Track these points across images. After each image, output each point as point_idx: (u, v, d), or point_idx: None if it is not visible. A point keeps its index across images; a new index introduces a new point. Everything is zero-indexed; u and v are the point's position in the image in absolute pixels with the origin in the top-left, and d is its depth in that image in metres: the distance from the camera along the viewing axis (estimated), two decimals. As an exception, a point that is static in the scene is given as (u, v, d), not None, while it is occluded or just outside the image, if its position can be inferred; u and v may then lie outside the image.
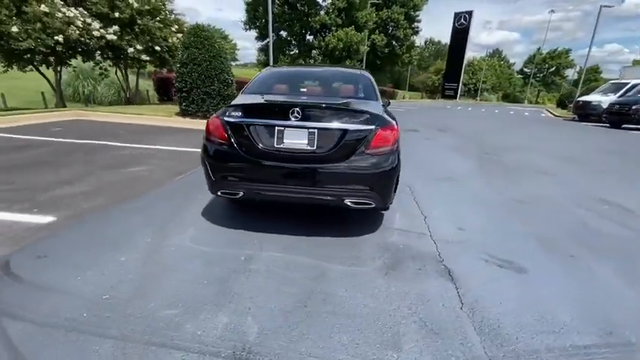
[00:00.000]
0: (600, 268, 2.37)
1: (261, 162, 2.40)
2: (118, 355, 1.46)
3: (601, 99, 14.75)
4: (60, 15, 8.70)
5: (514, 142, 8.30)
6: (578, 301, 1.97)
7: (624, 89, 14.35)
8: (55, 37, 8.65)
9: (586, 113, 15.26)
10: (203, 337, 1.58)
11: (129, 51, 10.49)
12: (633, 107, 12.20)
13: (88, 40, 9.44)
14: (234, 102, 2.67)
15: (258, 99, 2.83)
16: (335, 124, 2.33)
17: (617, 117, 12.79)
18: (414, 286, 2.06)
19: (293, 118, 2.32)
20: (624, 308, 1.93)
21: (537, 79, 60.92)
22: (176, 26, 11.67)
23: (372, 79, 3.36)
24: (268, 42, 16.42)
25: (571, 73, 56.38)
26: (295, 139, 2.36)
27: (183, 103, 8.60)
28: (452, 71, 41.99)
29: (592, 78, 47.48)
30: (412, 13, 38.27)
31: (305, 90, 3.34)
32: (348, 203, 2.43)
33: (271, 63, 14.92)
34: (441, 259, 2.39)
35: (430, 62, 65.38)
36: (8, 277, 1.98)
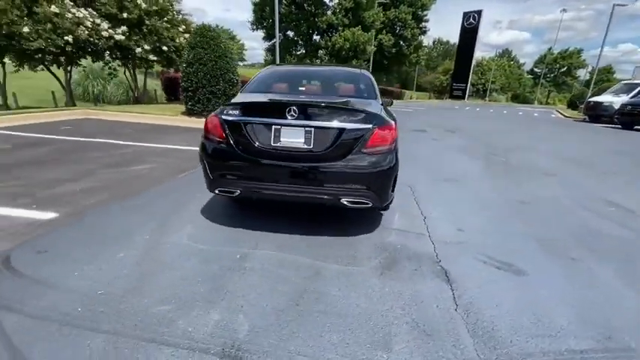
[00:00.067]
0: (602, 272, 2.32)
1: (258, 160, 2.40)
2: (109, 350, 1.47)
3: (613, 100, 14.42)
4: (70, 15, 8.87)
5: (522, 143, 8.17)
6: (577, 305, 1.93)
7: (637, 90, 14.00)
8: (65, 38, 8.82)
9: (597, 114, 14.93)
10: (194, 333, 1.59)
11: (137, 51, 10.63)
12: (646, 108, 11.91)
13: (97, 41, 9.60)
14: (232, 100, 2.68)
15: (255, 97, 2.84)
16: (331, 123, 2.32)
17: (630, 118, 12.49)
18: (409, 286, 2.04)
19: (289, 117, 2.32)
20: (625, 313, 1.88)
21: (548, 79, 59.86)
22: (183, 26, 11.79)
23: (372, 79, 3.34)
24: (275, 42, 16.49)
25: (583, 74, 55.30)
26: (292, 137, 2.35)
27: (189, 103, 8.68)
28: (460, 71, 41.55)
29: (605, 78, 46.51)
30: (420, 12, 37.99)
31: (304, 89, 3.33)
32: (345, 202, 2.41)
33: (277, 63, 14.98)
34: (438, 260, 2.37)
35: (438, 62, 64.85)
36: (8, 271, 2.02)
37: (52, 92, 11.62)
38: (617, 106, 13.60)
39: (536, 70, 62.10)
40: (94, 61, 11.39)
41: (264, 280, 2.06)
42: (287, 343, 1.55)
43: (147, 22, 10.46)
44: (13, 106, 10.56)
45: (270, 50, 33.68)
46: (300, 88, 3.32)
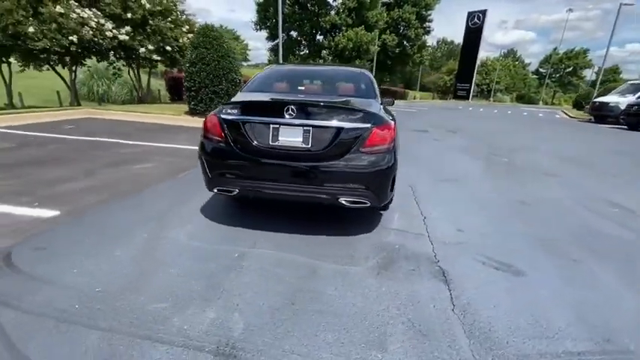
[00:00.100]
0: (602, 273, 2.29)
1: (256, 159, 2.40)
2: (104, 347, 1.48)
3: (619, 100, 14.25)
4: (74, 16, 8.95)
5: (525, 144, 8.11)
6: (577, 307, 1.91)
7: (643, 90, 13.85)
8: (70, 38, 8.91)
9: (603, 115, 14.77)
10: (189, 331, 1.59)
11: (140, 51, 10.71)
12: (653, 109, 11.76)
13: (101, 41, 9.68)
14: (231, 100, 2.69)
15: (254, 96, 2.84)
16: (329, 122, 2.32)
17: (636, 119, 12.32)
18: (406, 286, 2.03)
19: (287, 116, 2.31)
20: (625, 315, 1.86)
21: (553, 79, 59.34)
22: (187, 26, 11.86)
23: (372, 78, 3.34)
24: (278, 42, 16.52)
25: (589, 74, 54.76)
26: (290, 136, 2.35)
27: (192, 102, 8.72)
28: (464, 71, 41.28)
29: (611, 79, 45.97)
30: (424, 12, 37.75)
31: (303, 88, 3.33)
32: (343, 202, 2.41)
33: (278, 63, 15.01)
34: (436, 260, 2.35)
35: (442, 62, 64.54)
36: (8, 267, 2.04)
37: (57, 92, 11.74)
38: (623, 107, 13.43)
39: (541, 70, 61.57)
40: (98, 61, 11.52)
41: (261, 278, 2.06)
42: (282, 341, 1.55)
43: (150, 22, 10.54)
44: (19, 106, 10.68)
45: (274, 50, 33.70)
46: (300, 88, 3.32)
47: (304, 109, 2.34)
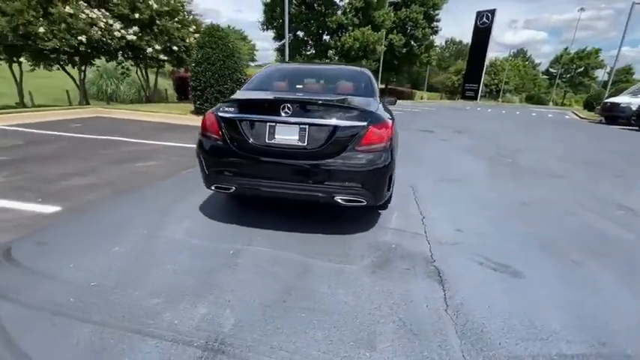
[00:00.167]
0: (602, 274, 2.24)
1: (253, 157, 2.41)
2: (96, 340, 1.50)
3: (630, 101, 13.94)
4: (83, 16, 9.11)
5: (531, 145, 7.99)
6: (573, 309, 1.87)
7: (656, 91, 13.53)
8: (79, 38, 9.07)
9: (614, 115, 14.46)
10: (179, 326, 1.60)
11: (148, 51, 10.84)
12: (665, 110, 11.48)
13: (109, 41, 9.83)
14: (229, 98, 2.70)
15: (252, 95, 2.85)
16: (325, 120, 2.32)
17: (648, 120, 12.07)
18: (400, 285, 2.01)
19: (284, 114, 2.32)
20: (623, 318, 1.82)
21: (564, 79, 58.27)
22: (194, 26, 11.97)
23: (372, 77, 3.32)
24: (285, 42, 16.57)
25: (601, 74, 53.61)
26: (286, 134, 2.36)
27: (198, 102, 8.80)
28: (473, 71, 40.84)
29: (624, 79, 45.00)
30: (432, 12, 37.42)
31: (302, 86, 3.34)
32: (339, 200, 2.40)
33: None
34: (432, 260, 2.33)
35: (450, 62, 63.90)
36: (8, 262, 2.08)
37: (67, 91, 11.95)
38: (634, 108, 13.15)
39: (551, 70, 60.53)
40: (107, 61, 11.68)
41: (254, 276, 2.06)
42: (270, 338, 1.55)
43: (158, 22, 10.67)
44: (30, 105, 10.91)
45: (281, 50, 33.80)
46: (299, 86, 3.32)
47: (300, 108, 2.34)
